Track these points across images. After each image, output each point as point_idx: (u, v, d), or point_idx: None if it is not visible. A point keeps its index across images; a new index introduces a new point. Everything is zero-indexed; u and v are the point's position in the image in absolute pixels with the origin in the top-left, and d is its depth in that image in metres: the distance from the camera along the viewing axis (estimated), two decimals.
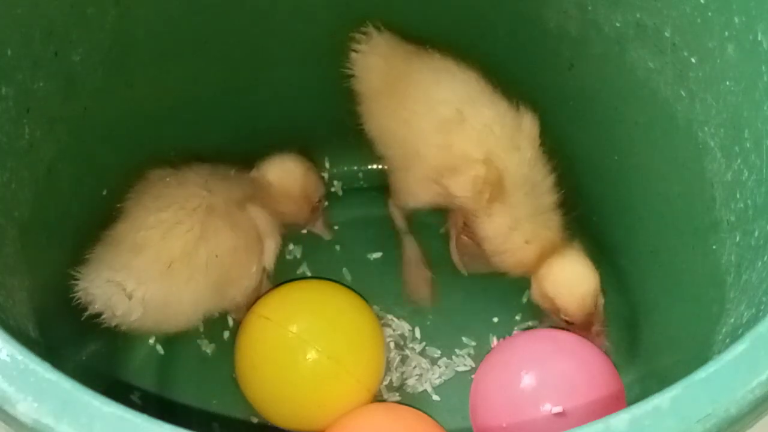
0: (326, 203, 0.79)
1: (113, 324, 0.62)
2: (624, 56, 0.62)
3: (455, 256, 0.76)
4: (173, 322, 0.66)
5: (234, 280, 0.68)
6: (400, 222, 0.77)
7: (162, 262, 0.62)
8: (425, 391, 0.72)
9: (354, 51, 0.70)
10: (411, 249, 0.77)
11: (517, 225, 0.67)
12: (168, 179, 0.67)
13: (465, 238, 0.75)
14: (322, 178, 0.79)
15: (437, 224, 0.78)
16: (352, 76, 0.70)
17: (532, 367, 0.65)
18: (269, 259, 0.71)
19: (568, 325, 0.68)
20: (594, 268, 0.67)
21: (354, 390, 0.66)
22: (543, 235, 0.67)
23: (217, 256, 0.65)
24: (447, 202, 0.69)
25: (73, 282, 0.61)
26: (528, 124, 0.67)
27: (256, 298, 0.71)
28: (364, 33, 0.69)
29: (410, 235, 0.77)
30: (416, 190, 0.71)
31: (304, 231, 0.79)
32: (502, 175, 0.65)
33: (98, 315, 0.61)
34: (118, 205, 0.66)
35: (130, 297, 0.61)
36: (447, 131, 0.66)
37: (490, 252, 0.69)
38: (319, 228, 0.78)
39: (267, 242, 0.70)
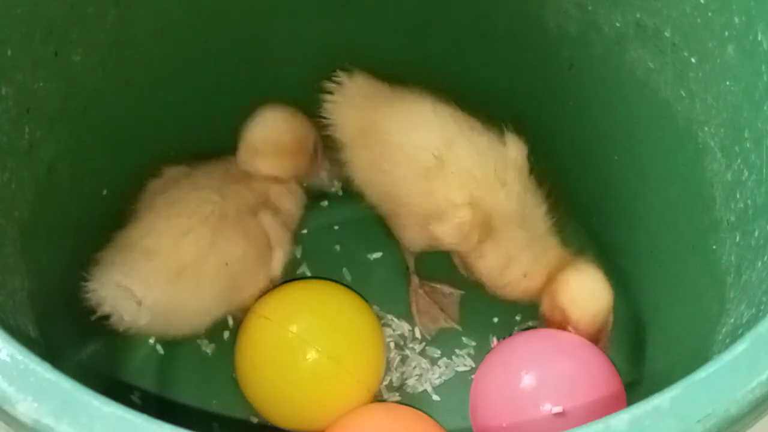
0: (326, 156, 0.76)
1: (120, 327, 0.62)
2: (624, 56, 0.62)
3: (415, 318, 0.75)
4: (179, 327, 0.66)
5: (241, 287, 0.68)
6: (408, 261, 0.76)
7: (172, 269, 0.62)
8: (425, 391, 0.72)
9: (327, 100, 0.69)
10: (415, 284, 0.76)
11: (511, 261, 0.66)
12: (182, 181, 0.67)
13: (423, 293, 0.76)
14: (314, 122, 0.74)
15: None
16: (330, 124, 0.70)
17: (532, 367, 0.65)
18: (276, 268, 0.71)
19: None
20: (609, 285, 0.66)
21: (354, 390, 0.66)
22: (543, 262, 0.67)
23: (227, 264, 0.65)
24: (439, 245, 0.68)
25: (83, 283, 0.61)
26: (514, 154, 0.66)
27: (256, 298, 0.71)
28: (336, 81, 0.69)
29: (415, 275, 0.76)
30: (409, 236, 0.70)
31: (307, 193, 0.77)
32: (488, 215, 0.64)
33: (106, 317, 0.61)
34: (132, 207, 0.66)
35: (139, 303, 0.61)
36: (427, 178, 0.65)
37: (494, 287, 0.69)
38: (324, 178, 0.76)
39: (276, 251, 0.70)
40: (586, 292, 0.66)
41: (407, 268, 0.76)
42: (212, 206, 0.65)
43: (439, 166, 0.64)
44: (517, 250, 0.66)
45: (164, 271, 0.62)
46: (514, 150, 0.66)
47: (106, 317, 0.62)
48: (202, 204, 0.65)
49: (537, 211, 0.67)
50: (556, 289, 0.67)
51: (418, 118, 0.67)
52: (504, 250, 0.66)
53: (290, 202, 0.73)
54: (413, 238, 0.70)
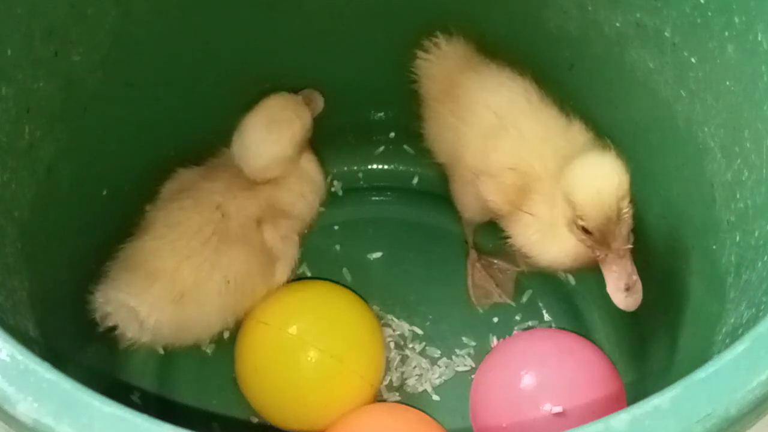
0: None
1: (123, 343, 0.64)
2: (624, 56, 0.62)
3: (470, 290, 0.76)
4: (183, 341, 0.67)
5: (246, 298, 0.68)
6: (467, 235, 0.77)
7: (175, 291, 0.63)
8: (425, 391, 0.72)
9: (420, 58, 0.72)
10: (473, 257, 0.77)
11: (549, 229, 0.64)
12: (185, 197, 0.67)
13: (480, 267, 0.76)
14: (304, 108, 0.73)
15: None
16: (416, 80, 0.72)
17: (532, 367, 0.65)
18: (281, 280, 0.71)
19: (586, 239, 0.59)
20: (623, 169, 0.58)
21: (358, 386, 0.66)
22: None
23: (229, 282, 0.66)
24: (488, 211, 0.68)
25: (89, 296, 0.63)
26: (579, 134, 0.66)
27: None
28: (433, 42, 0.71)
29: (473, 249, 0.77)
30: (462, 199, 0.72)
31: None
32: (531, 183, 0.64)
33: (111, 329, 0.63)
34: (148, 210, 0.68)
35: (141, 323, 0.63)
36: (485, 137, 0.66)
37: (532, 256, 0.67)
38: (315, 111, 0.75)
39: (280, 264, 0.70)
40: (590, 167, 0.59)
41: (466, 241, 0.77)
42: (213, 227, 0.66)
43: (498, 126, 0.66)
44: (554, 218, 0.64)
45: (168, 293, 0.63)
46: (581, 133, 0.66)
47: (111, 329, 0.63)
48: (203, 226, 0.66)
49: None
50: (564, 173, 0.61)
51: (491, 81, 0.69)
52: (542, 217, 0.64)
53: (298, 200, 0.73)
54: (468, 203, 0.71)
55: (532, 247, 0.66)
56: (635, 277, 0.58)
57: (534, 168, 0.65)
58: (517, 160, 0.65)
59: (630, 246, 0.58)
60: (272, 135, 0.70)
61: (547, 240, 0.64)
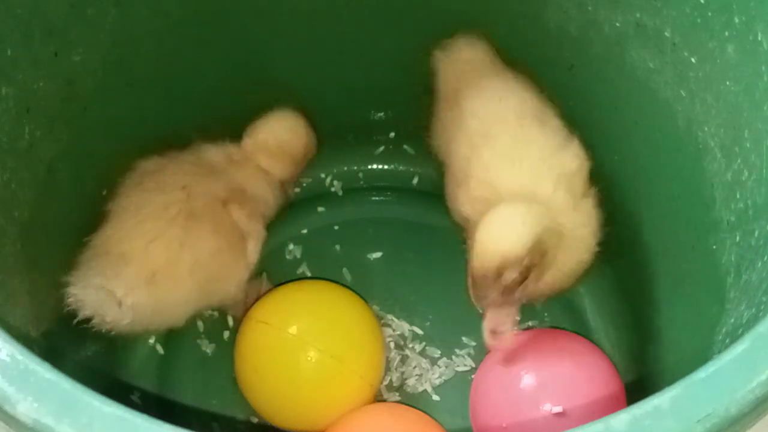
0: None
1: (103, 329, 0.63)
2: (624, 56, 0.62)
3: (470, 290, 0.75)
4: (163, 323, 0.67)
5: (221, 278, 0.68)
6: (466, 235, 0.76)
7: (146, 271, 0.63)
8: (425, 391, 0.72)
9: (440, 56, 0.71)
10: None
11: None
12: (149, 182, 0.67)
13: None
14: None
15: None
16: (433, 75, 0.72)
17: (532, 367, 0.65)
18: (251, 257, 0.71)
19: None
20: (526, 240, 0.56)
21: (358, 386, 0.66)
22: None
23: (198, 260, 0.65)
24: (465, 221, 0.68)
25: (64, 288, 0.61)
26: (569, 162, 0.64)
27: (255, 299, 0.71)
28: (454, 41, 0.71)
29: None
30: (452, 202, 0.71)
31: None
32: (499, 199, 0.62)
33: (88, 320, 0.61)
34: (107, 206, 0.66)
35: (120, 304, 0.62)
36: (471, 145, 0.66)
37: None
38: (289, 189, 0.78)
39: (249, 242, 0.70)
40: (488, 223, 0.58)
41: (465, 242, 0.75)
42: (178, 207, 0.66)
43: (483, 135, 0.65)
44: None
45: (140, 274, 0.63)
46: (571, 158, 0.64)
47: (88, 320, 0.61)
48: (168, 206, 0.65)
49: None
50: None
51: (491, 89, 0.68)
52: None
53: (267, 193, 0.73)
54: (452, 202, 0.70)
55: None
56: (505, 327, 0.60)
57: (505, 185, 0.63)
58: (489, 174, 0.64)
59: (508, 301, 0.59)
60: (302, 124, 0.74)
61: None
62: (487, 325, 0.61)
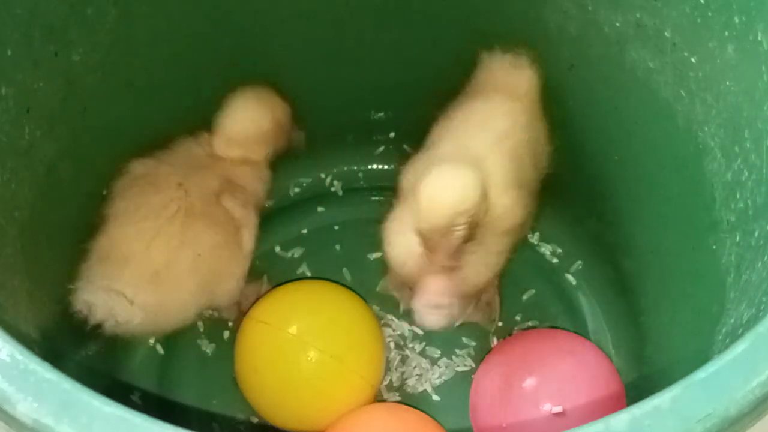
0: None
1: (115, 331, 0.63)
2: (624, 56, 0.62)
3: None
4: (169, 322, 0.67)
5: (221, 274, 0.68)
6: None
7: (149, 271, 0.63)
8: (425, 391, 0.72)
9: (478, 67, 0.70)
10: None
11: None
12: (144, 182, 0.67)
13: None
14: (285, 100, 0.74)
15: None
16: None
17: (532, 367, 0.65)
18: (247, 247, 0.71)
19: (421, 242, 0.58)
20: (475, 192, 0.57)
21: (358, 386, 0.66)
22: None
23: (200, 255, 0.65)
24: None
25: (72, 296, 0.61)
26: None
27: (255, 298, 0.71)
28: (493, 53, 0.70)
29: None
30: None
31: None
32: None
33: (99, 326, 0.62)
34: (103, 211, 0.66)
35: (131, 302, 0.62)
36: (428, 160, 0.64)
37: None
38: (295, 140, 0.76)
39: (244, 232, 0.70)
40: (436, 178, 0.57)
41: None
42: (177, 204, 0.66)
43: (440, 157, 0.63)
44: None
45: (143, 274, 0.63)
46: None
47: (100, 325, 0.62)
48: (166, 205, 0.66)
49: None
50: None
51: (477, 109, 0.67)
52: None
53: (255, 181, 0.73)
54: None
55: (386, 236, 0.65)
56: (446, 300, 0.58)
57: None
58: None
59: (452, 265, 0.58)
60: (253, 101, 0.71)
61: (400, 234, 0.63)
62: (425, 295, 0.58)
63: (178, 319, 0.67)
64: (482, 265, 0.63)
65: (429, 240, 0.57)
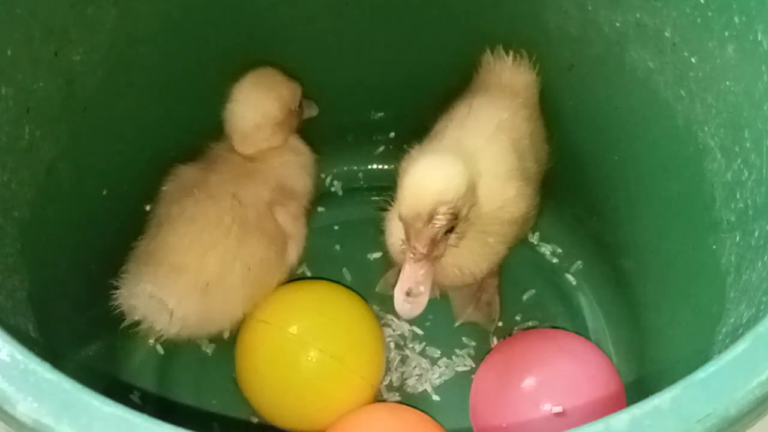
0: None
1: (151, 336, 0.64)
2: (624, 56, 0.62)
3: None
4: (210, 330, 0.68)
5: (265, 285, 0.69)
6: None
7: (201, 282, 0.64)
8: (425, 391, 0.72)
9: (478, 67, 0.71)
10: None
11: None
12: (196, 191, 0.67)
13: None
14: (293, 81, 0.73)
15: None
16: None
17: (532, 367, 0.65)
18: (292, 259, 0.72)
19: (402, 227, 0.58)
20: (459, 183, 0.57)
21: (358, 387, 0.67)
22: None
23: (250, 269, 0.66)
24: None
25: (113, 291, 0.63)
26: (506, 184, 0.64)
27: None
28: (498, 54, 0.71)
29: None
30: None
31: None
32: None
33: (136, 324, 0.64)
34: (148, 209, 0.68)
35: (171, 314, 0.63)
36: (423, 151, 0.63)
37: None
38: (310, 111, 0.76)
39: (291, 244, 0.71)
40: (420, 166, 0.57)
41: None
42: (231, 216, 0.66)
43: (438, 150, 0.63)
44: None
45: (194, 284, 0.64)
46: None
47: (136, 324, 0.64)
48: (222, 215, 0.66)
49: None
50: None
51: (477, 103, 0.67)
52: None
53: (303, 177, 0.73)
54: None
55: (386, 224, 0.66)
56: (422, 287, 0.57)
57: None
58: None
59: (431, 255, 0.57)
60: (259, 92, 0.70)
61: (394, 220, 0.62)
62: (403, 282, 0.57)
63: (220, 327, 0.68)
64: (478, 254, 0.63)
65: (411, 227, 0.57)
